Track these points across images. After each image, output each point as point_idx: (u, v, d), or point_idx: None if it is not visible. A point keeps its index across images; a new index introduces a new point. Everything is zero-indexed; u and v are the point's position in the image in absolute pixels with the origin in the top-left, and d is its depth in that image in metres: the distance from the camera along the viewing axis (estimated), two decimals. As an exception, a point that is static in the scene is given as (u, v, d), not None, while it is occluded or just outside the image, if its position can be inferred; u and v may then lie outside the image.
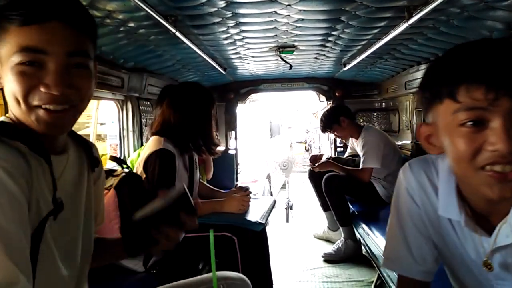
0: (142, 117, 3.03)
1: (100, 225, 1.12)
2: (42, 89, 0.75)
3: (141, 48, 2.32)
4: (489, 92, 0.68)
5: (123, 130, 2.95)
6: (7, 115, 0.84)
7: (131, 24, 1.86)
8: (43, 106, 0.76)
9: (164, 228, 0.97)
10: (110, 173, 1.73)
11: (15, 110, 0.78)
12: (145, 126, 3.02)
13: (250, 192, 2.23)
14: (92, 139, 7.53)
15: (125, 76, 2.67)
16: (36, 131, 0.79)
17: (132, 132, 2.96)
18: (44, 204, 0.78)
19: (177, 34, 1.91)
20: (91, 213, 1.01)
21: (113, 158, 1.68)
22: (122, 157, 2.87)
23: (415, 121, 3.43)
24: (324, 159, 3.59)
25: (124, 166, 1.61)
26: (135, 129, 2.95)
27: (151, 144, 2.00)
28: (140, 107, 3.03)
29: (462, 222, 0.86)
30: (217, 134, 2.28)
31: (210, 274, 1.18)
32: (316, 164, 3.44)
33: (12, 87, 0.75)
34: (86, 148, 1.00)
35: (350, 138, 3.59)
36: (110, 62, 2.43)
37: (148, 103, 3.15)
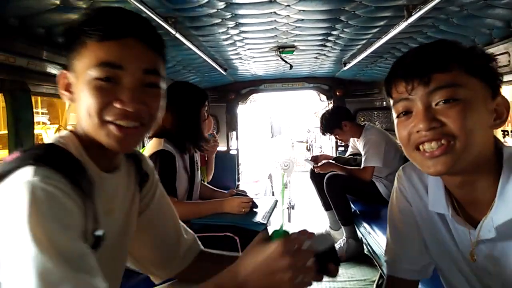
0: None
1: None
2: (117, 105, 0.75)
3: (142, 50, 2.33)
4: (407, 84, 0.82)
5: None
6: (71, 128, 0.84)
7: (131, 26, 1.87)
8: (116, 122, 0.76)
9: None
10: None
11: (86, 124, 0.78)
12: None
13: (249, 198, 2.22)
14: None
15: (126, 78, 2.67)
16: (104, 147, 0.79)
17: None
18: (89, 234, 0.75)
19: (177, 35, 1.91)
20: (132, 232, 0.96)
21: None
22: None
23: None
24: (324, 160, 3.57)
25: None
26: (136, 130, 2.95)
27: (151, 146, 2.00)
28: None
29: (449, 215, 0.91)
30: (214, 133, 2.27)
31: None
32: (318, 165, 3.44)
33: (87, 102, 0.75)
34: (135, 161, 0.96)
35: (352, 138, 3.58)
36: (111, 64, 2.44)
37: (149, 104, 3.16)
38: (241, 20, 1.94)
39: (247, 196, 2.32)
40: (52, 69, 1.88)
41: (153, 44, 0.80)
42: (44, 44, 1.79)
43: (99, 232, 0.75)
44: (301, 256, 0.73)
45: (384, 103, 4.43)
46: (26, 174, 0.66)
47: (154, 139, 2.04)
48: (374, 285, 2.74)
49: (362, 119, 4.40)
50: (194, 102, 2.11)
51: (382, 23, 2.01)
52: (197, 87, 2.21)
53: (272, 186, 6.17)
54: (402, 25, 1.84)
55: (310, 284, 0.73)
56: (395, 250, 1.07)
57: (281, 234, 0.78)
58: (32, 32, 1.67)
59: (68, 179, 0.69)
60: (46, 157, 0.71)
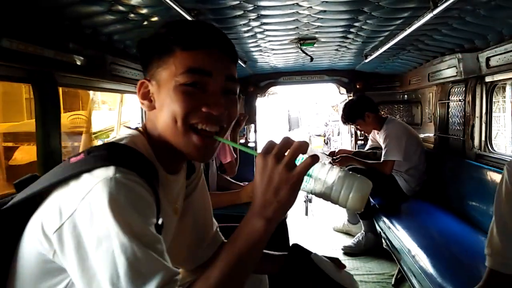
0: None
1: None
2: (204, 109, 0.79)
3: (164, 42, 2.35)
4: None
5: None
6: (139, 128, 0.88)
7: (154, 19, 1.89)
8: (201, 126, 0.80)
9: None
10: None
11: (169, 131, 0.81)
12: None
13: None
14: (116, 131, 7.68)
15: (148, 70, 2.71)
16: (175, 152, 0.83)
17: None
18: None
19: (199, 27, 1.92)
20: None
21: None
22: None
23: (438, 114, 3.37)
24: (342, 154, 3.53)
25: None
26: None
27: None
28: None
29: None
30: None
31: None
32: (336, 160, 3.41)
33: (174, 107, 0.79)
34: None
35: (372, 130, 3.54)
36: (134, 56, 2.47)
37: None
38: (263, 12, 1.94)
39: None
40: (78, 61, 1.93)
41: (231, 55, 0.86)
42: (71, 35, 1.84)
43: (159, 222, 0.79)
44: (278, 148, 0.73)
45: (406, 96, 4.37)
46: (108, 172, 0.69)
47: None
48: (393, 280, 2.72)
49: (382, 112, 4.34)
50: None
51: (406, 14, 1.98)
52: None
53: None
54: (427, 16, 1.80)
55: (314, 160, 0.73)
56: (500, 244, 1.03)
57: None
58: (59, 24, 1.71)
59: (143, 179, 0.73)
60: (123, 158, 0.74)
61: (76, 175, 0.71)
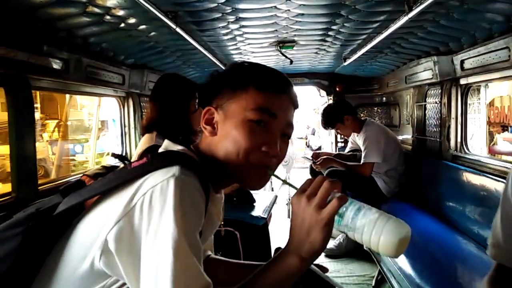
0: (143, 113, 3.04)
1: None
2: (264, 148, 0.85)
3: (142, 44, 2.33)
4: None
5: (124, 126, 2.96)
6: (191, 146, 0.92)
7: (131, 21, 1.87)
8: (259, 164, 0.86)
9: None
10: (113, 169, 1.74)
11: (230, 160, 0.86)
12: (146, 122, 3.02)
13: None
14: (93, 136, 7.54)
15: (126, 73, 2.67)
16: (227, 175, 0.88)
17: (134, 129, 2.97)
18: None
19: (178, 30, 1.91)
20: None
21: (114, 155, 1.68)
22: (124, 153, 2.88)
23: (415, 116, 3.44)
24: (323, 157, 3.57)
25: (126, 162, 1.61)
26: (136, 125, 2.95)
27: (143, 142, 1.98)
28: (141, 104, 3.04)
29: None
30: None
31: None
32: (317, 162, 3.44)
33: (239, 141, 0.84)
34: None
35: (352, 133, 3.58)
36: (111, 59, 2.44)
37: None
38: (242, 15, 1.94)
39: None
40: (53, 64, 1.88)
41: (296, 104, 0.93)
42: (45, 38, 1.79)
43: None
44: (311, 188, 0.75)
45: (384, 98, 4.44)
46: (175, 171, 0.73)
47: (146, 135, 2.01)
48: (373, 281, 2.75)
49: (362, 114, 4.40)
50: (183, 93, 2.08)
51: (382, 17, 2.01)
52: (186, 79, 2.17)
53: (271, 182, 6.17)
54: (403, 20, 1.84)
55: (342, 201, 0.72)
56: (504, 238, 1.04)
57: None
58: (32, 26, 1.67)
59: (201, 184, 0.77)
60: (187, 162, 0.78)
61: (141, 175, 0.74)
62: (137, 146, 2.10)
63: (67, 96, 6.00)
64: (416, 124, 3.45)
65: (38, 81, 1.89)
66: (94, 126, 6.08)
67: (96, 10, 1.66)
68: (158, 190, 0.70)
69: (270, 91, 0.87)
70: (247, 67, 0.92)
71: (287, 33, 2.38)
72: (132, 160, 1.39)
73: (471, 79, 2.56)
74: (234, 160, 0.85)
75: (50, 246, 0.80)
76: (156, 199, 0.70)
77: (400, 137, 3.81)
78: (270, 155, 0.86)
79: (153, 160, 0.79)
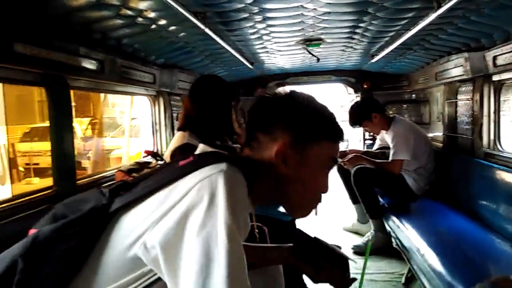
0: (173, 111, 3.13)
1: None
2: (323, 190, 0.97)
3: (171, 45, 2.40)
4: None
5: (155, 124, 3.06)
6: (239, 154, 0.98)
7: (162, 22, 1.94)
8: (316, 204, 0.97)
9: (331, 266, 1.18)
10: (146, 165, 1.82)
11: (298, 194, 0.94)
12: (176, 120, 3.11)
13: None
14: (126, 133, 7.78)
15: (157, 72, 2.76)
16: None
17: (165, 126, 3.06)
18: None
19: (206, 30, 1.96)
20: None
21: (147, 152, 1.76)
22: (155, 150, 2.97)
23: (446, 113, 3.36)
24: (351, 154, 3.53)
25: (158, 158, 1.69)
26: (167, 123, 3.05)
27: (176, 139, 2.05)
28: (171, 102, 3.12)
29: None
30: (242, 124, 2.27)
31: None
32: (345, 160, 3.42)
33: (316, 184, 0.95)
34: None
35: (380, 130, 3.53)
36: (142, 59, 2.52)
37: (179, 98, 3.24)
38: (268, 14, 1.97)
39: None
40: (89, 64, 1.98)
41: None
42: (81, 40, 1.89)
43: None
44: None
45: (413, 95, 4.36)
46: (222, 166, 0.77)
47: (179, 132, 2.08)
48: (403, 278, 2.72)
49: (390, 112, 4.33)
50: (225, 95, 2.14)
51: (410, 14, 1.99)
52: (224, 81, 2.24)
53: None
54: (432, 17, 1.82)
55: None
56: None
57: None
58: (70, 29, 1.76)
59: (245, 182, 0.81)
60: (232, 159, 0.82)
61: (188, 173, 0.77)
62: (170, 143, 2.17)
63: (102, 95, 6.23)
64: (447, 121, 3.38)
65: (75, 81, 1.99)
66: (127, 123, 6.26)
67: (129, 12, 1.74)
68: (206, 183, 0.72)
69: (338, 141, 0.97)
70: (318, 118, 0.96)
71: (313, 31, 2.39)
72: (164, 156, 1.46)
73: (504, 76, 2.49)
74: (300, 194, 0.93)
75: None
76: (204, 191, 0.71)
77: (430, 135, 3.73)
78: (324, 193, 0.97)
79: (199, 160, 0.82)
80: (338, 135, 0.96)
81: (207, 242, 0.65)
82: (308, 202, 0.96)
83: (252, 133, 0.92)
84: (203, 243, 0.65)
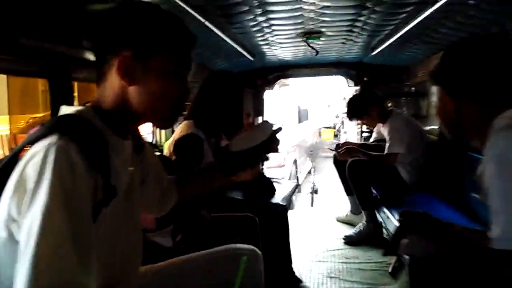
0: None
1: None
2: None
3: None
4: None
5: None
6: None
7: (163, 15, 1.95)
8: (175, 110, 1.02)
9: (262, 157, 1.29)
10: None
11: (153, 104, 0.96)
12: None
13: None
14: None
15: (158, 64, 2.78)
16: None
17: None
18: (100, 190, 0.85)
19: (206, 23, 1.99)
20: (138, 185, 1.11)
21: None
22: (154, 141, 3.01)
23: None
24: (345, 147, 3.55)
25: (156, 150, 1.72)
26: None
27: (182, 128, 2.08)
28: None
29: None
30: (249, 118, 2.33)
31: (229, 245, 1.33)
32: (340, 151, 3.44)
33: (169, 90, 0.97)
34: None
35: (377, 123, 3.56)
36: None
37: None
38: (268, 7, 1.99)
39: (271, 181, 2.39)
40: (91, 56, 2.00)
41: None
42: (83, 32, 1.91)
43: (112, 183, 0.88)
44: None
45: (413, 88, 4.38)
46: (51, 140, 0.77)
47: (184, 121, 2.11)
48: (390, 267, 2.78)
49: (389, 104, 4.35)
50: (234, 90, 2.18)
51: (408, 8, 2.01)
52: (237, 77, 2.27)
53: (297, 171, 6.23)
54: (429, 11, 1.84)
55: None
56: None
57: None
58: (73, 21, 1.79)
59: (84, 145, 0.80)
60: (66, 126, 0.82)
61: (28, 144, 0.80)
62: (176, 130, 2.20)
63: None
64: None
65: (78, 72, 2.01)
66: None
67: (130, 5, 1.75)
68: (34, 160, 0.75)
69: (184, 48, 1.02)
70: (157, 28, 0.95)
71: (313, 24, 2.41)
72: (166, 145, 1.54)
73: (502, 70, 2.51)
74: (157, 108, 0.96)
75: None
76: (31, 167, 0.74)
77: (427, 128, 3.76)
78: None
79: (40, 129, 0.82)
80: (181, 42, 0.98)
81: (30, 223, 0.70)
82: (166, 110, 0.97)
83: (101, 58, 0.96)
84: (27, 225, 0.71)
